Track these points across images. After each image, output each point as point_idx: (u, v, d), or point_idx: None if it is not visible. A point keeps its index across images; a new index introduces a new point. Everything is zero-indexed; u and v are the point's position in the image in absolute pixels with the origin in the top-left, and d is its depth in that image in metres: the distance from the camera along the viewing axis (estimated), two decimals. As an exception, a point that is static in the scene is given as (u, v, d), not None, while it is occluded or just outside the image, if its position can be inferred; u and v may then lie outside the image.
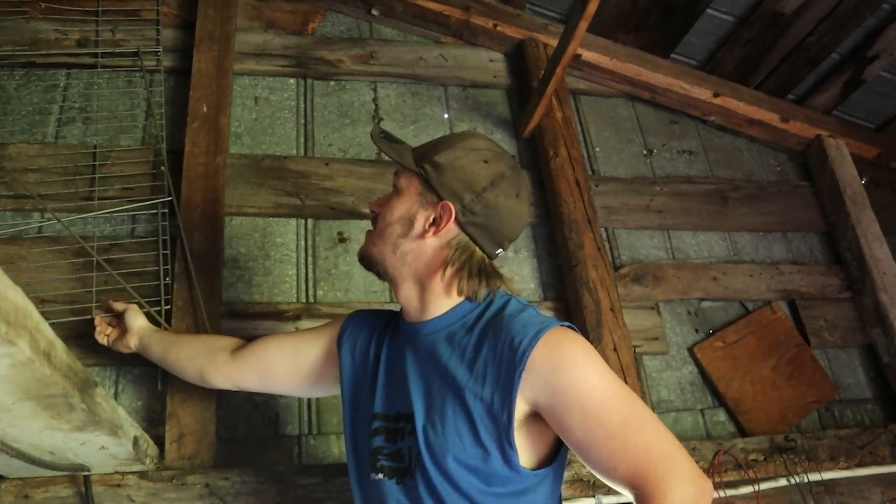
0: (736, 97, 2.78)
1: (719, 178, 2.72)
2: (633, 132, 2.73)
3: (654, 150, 2.71)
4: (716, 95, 2.75)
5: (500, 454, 1.10)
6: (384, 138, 1.37)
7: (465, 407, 1.12)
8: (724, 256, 2.57)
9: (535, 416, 1.14)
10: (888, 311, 2.51)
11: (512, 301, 1.25)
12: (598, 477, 1.11)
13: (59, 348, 0.93)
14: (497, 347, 1.14)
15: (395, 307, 1.43)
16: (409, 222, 1.28)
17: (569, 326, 1.17)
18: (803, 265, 2.64)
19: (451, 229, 1.26)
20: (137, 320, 1.72)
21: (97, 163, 2.05)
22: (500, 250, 1.33)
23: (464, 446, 1.11)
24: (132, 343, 1.69)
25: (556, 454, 1.19)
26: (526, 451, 1.14)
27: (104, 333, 1.75)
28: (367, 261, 1.35)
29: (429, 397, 1.19)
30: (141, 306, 1.80)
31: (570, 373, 1.09)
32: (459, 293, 1.26)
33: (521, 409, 1.11)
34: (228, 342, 1.64)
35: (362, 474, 1.28)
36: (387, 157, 1.62)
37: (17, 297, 0.80)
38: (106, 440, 1.29)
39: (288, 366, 1.53)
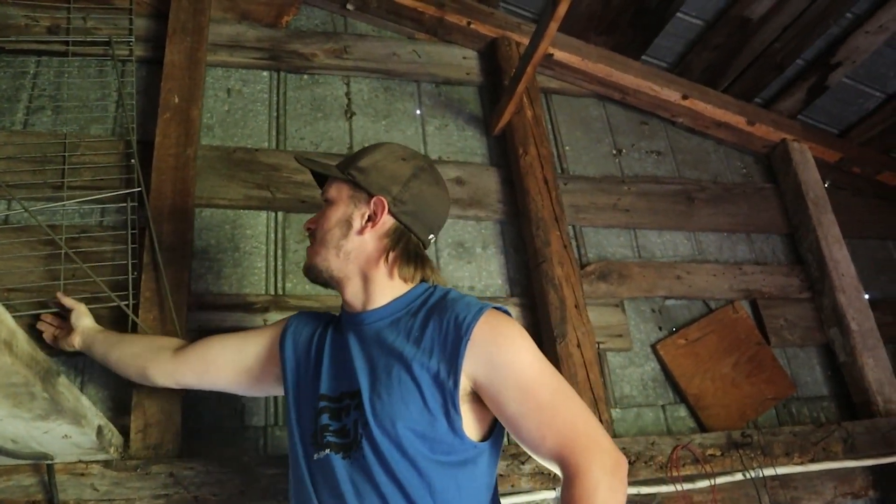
0: (704, 100, 2.83)
1: (686, 179, 2.77)
2: (603, 132, 2.77)
3: (624, 150, 2.75)
4: (684, 97, 2.79)
5: (445, 419, 1.19)
6: (308, 160, 1.50)
7: (412, 377, 1.20)
8: (689, 256, 2.62)
9: (474, 396, 1.23)
10: (845, 311, 2.58)
11: (452, 291, 1.36)
12: (528, 450, 1.21)
13: (21, 338, 0.94)
14: (442, 324, 1.24)
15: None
16: (347, 223, 1.39)
17: (505, 311, 1.29)
18: (766, 265, 2.71)
19: (386, 220, 1.39)
20: (83, 320, 1.72)
21: (67, 153, 2.04)
22: (431, 236, 1.47)
23: (410, 413, 1.18)
24: (76, 342, 1.69)
25: (492, 433, 1.28)
26: (467, 425, 1.21)
27: (50, 332, 1.76)
28: (313, 271, 1.42)
29: (374, 374, 1.26)
30: (109, 297, 1.81)
31: (507, 349, 1.20)
32: (402, 279, 1.38)
33: (463, 383, 1.19)
34: (172, 342, 1.68)
35: (308, 456, 1.31)
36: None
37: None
38: (69, 429, 1.29)
39: (230, 363, 1.57)
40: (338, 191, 1.43)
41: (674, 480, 2.04)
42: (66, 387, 1.17)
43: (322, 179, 1.56)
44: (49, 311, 1.81)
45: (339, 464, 1.22)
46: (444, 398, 1.19)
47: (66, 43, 2.22)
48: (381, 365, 1.26)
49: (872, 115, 2.98)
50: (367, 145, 1.53)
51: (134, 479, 1.63)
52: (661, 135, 2.87)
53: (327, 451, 1.25)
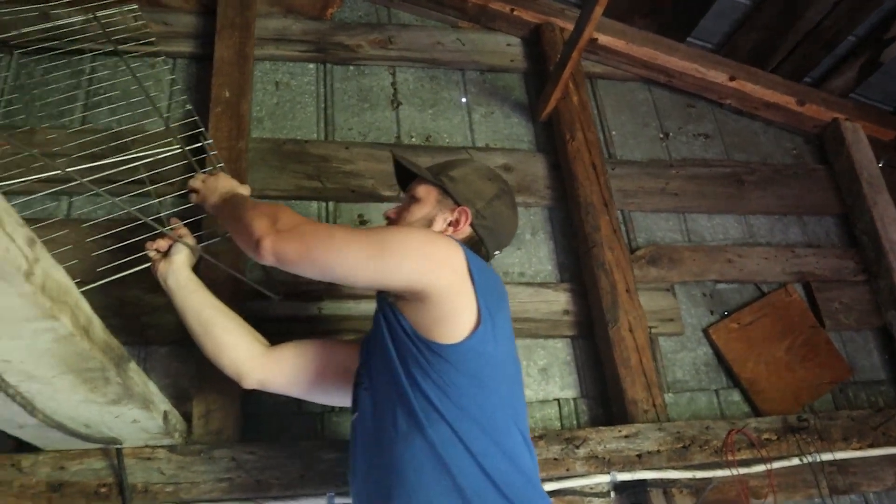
0: (752, 80, 2.79)
1: (735, 162, 2.73)
2: (649, 116, 2.74)
3: (671, 134, 2.72)
4: (732, 79, 2.76)
5: None
6: (404, 159, 1.60)
7: None
8: (740, 239, 2.59)
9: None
10: (903, 293, 2.52)
11: None
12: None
13: (97, 324, 0.97)
14: None
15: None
16: (429, 222, 1.49)
17: None
18: (819, 248, 2.66)
19: (465, 230, 1.50)
20: (181, 255, 1.63)
21: (123, 149, 2.09)
22: (497, 252, 1.58)
23: None
24: (167, 278, 1.60)
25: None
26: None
27: (155, 257, 1.65)
28: None
29: None
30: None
31: None
32: None
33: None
34: (258, 335, 1.65)
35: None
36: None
37: (59, 275, 0.84)
38: (138, 413, 1.34)
39: (324, 366, 1.59)
40: (426, 192, 1.54)
41: (729, 465, 2.03)
42: (136, 372, 1.21)
43: (404, 177, 1.68)
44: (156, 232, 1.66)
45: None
46: None
47: (120, 42, 2.27)
48: None
49: (929, 92, 2.90)
50: (456, 158, 1.69)
51: (198, 463, 1.67)
52: (708, 117, 2.84)
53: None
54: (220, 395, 1.80)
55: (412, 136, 2.41)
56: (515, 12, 2.62)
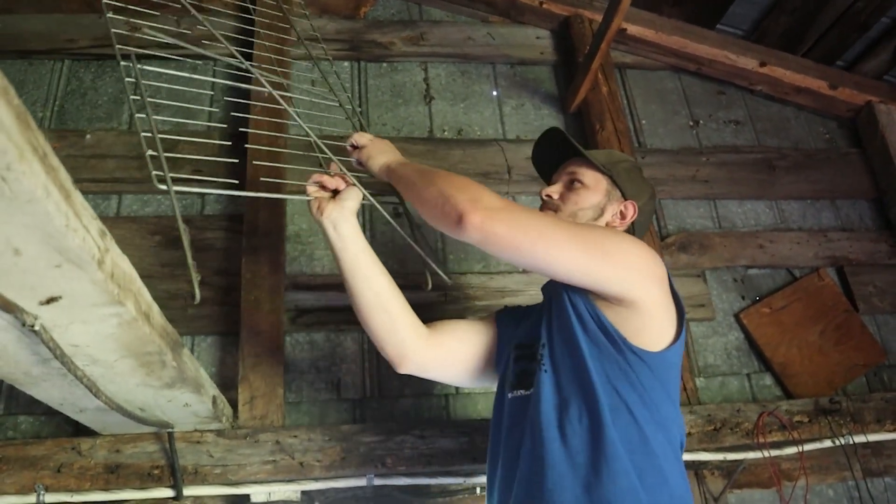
0: (783, 66, 2.78)
1: (766, 147, 2.74)
2: (679, 104, 2.76)
3: (701, 121, 2.74)
4: (762, 65, 2.76)
5: None
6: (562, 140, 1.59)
7: None
8: (771, 224, 2.60)
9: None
10: (939, 276, 2.51)
11: None
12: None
13: (156, 311, 1.06)
14: None
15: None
16: (601, 210, 1.51)
17: None
18: (852, 232, 2.66)
19: (626, 224, 1.54)
20: (353, 204, 1.49)
21: (168, 149, 2.19)
22: None
23: None
24: (339, 224, 1.45)
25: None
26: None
27: (319, 196, 1.50)
28: None
29: None
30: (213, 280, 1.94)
31: None
32: None
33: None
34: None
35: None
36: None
37: (125, 264, 0.93)
38: (190, 397, 1.43)
39: (478, 349, 1.57)
40: (595, 180, 1.53)
41: (760, 447, 2.05)
42: (189, 358, 1.30)
43: (549, 159, 1.68)
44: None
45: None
46: None
47: (164, 46, 2.36)
48: None
49: (965, 72, 2.87)
50: (612, 150, 1.70)
51: (244, 446, 1.77)
52: (738, 104, 2.85)
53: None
54: (263, 383, 1.89)
55: (444, 130, 2.47)
56: (544, 5, 2.67)
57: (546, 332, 1.40)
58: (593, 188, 1.52)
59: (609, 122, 2.45)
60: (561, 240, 1.25)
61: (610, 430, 1.22)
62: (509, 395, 1.41)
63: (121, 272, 0.90)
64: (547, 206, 1.55)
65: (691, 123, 2.73)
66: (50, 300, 0.85)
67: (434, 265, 1.59)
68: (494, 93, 2.59)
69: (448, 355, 1.53)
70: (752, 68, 2.76)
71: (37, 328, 0.89)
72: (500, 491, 1.35)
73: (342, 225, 1.44)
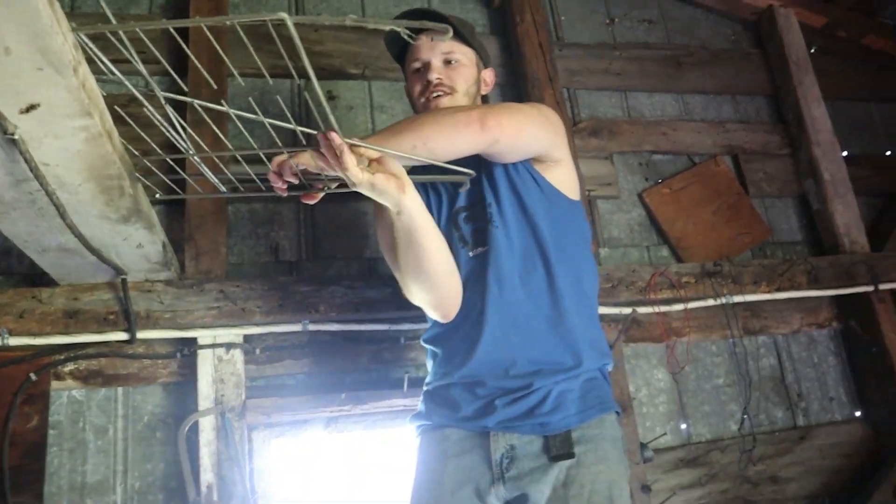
0: (694, -32, 2.99)
1: (676, 45, 2.97)
2: (597, 2, 2.95)
3: (616, 19, 2.95)
4: (675, -33, 2.96)
5: None
6: (431, 19, 1.67)
7: None
8: (676, 115, 2.85)
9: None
10: (819, 163, 2.82)
11: None
12: None
13: (116, 135, 1.23)
14: None
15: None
16: (478, 84, 1.73)
17: None
18: (749, 124, 2.93)
19: (489, 89, 1.81)
20: (402, 168, 1.29)
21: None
22: None
23: None
24: (404, 199, 1.27)
25: None
26: None
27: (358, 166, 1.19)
28: None
29: None
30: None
31: None
32: None
33: None
34: None
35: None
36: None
37: (92, 81, 1.09)
38: (143, 235, 1.60)
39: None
40: (466, 56, 1.69)
41: (651, 302, 2.35)
42: (141, 192, 1.47)
43: (398, 43, 1.78)
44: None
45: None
46: None
47: None
48: None
49: (859, -21, 3.11)
50: (462, 19, 1.78)
51: (191, 294, 1.96)
52: (652, 4, 3.05)
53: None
54: (208, 241, 2.07)
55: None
56: None
57: (492, 193, 1.56)
58: (469, 64, 1.70)
59: (528, 13, 2.62)
60: (536, 121, 1.52)
61: (559, 274, 1.51)
62: (470, 254, 1.55)
63: (90, 86, 1.06)
64: (439, 86, 1.63)
65: (607, 21, 2.93)
66: (30, 108, 1.01)
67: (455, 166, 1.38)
68: (423, -14, 2.73)
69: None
70: (665, -30, 2.96)
71: (17, 137, 1.06)
72: (461, 339, 1.51)
73: (409, 197, 1.28)
